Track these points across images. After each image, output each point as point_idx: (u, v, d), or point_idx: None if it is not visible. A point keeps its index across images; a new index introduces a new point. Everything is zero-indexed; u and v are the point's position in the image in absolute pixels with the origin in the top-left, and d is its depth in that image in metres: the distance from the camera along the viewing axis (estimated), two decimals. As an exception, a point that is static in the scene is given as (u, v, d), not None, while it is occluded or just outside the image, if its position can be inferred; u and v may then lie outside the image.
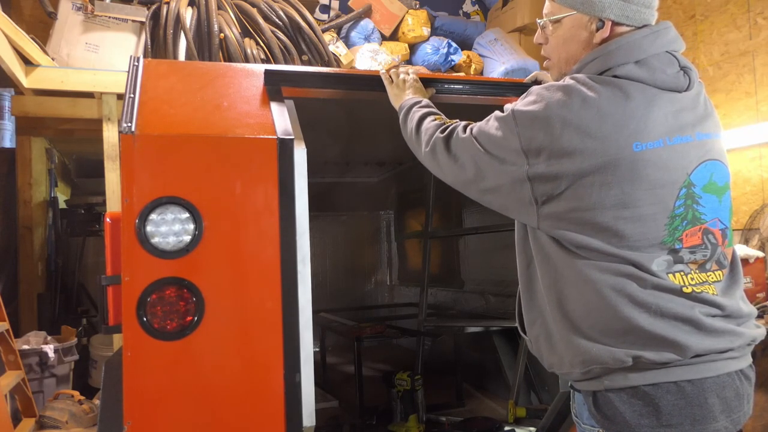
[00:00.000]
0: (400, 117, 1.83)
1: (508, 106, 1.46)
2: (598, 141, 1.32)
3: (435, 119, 1.70)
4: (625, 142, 1.32)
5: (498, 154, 1.42)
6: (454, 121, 1.64)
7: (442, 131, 1.60)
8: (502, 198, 1.45)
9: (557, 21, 1.51)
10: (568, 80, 1.41)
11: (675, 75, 1.40)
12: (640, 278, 1.31)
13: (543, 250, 1.42)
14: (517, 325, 1.60)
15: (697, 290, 1.33)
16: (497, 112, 1.48)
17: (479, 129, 1.50)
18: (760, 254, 3.52)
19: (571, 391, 1.50)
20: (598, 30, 1.45)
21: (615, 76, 1.38)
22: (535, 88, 1.45)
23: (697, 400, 1.28)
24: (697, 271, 1.36)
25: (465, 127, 1.55)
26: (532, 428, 2.62)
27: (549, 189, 1.36)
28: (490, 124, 1.47)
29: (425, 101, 1.83)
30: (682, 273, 1.34)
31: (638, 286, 1.31)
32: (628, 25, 1.45)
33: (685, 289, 1.32)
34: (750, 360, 1.40)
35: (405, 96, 1.89)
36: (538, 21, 1.59)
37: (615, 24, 1.45)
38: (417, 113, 1.75)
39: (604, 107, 1.33)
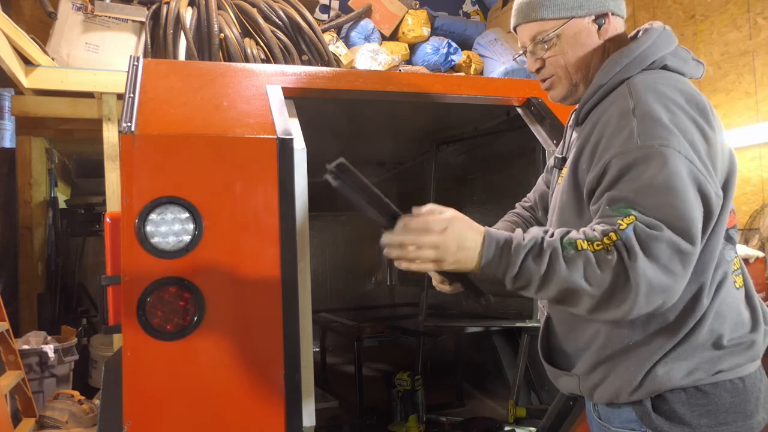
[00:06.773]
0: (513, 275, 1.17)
1: None
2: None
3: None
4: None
5: None
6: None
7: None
8: None
9: (556, 36, 1.38)
10: (661, 87, 1.24)
11: (695, 64, 1.39)
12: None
13: None
14: (545, 360, 1.49)
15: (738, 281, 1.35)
16: None
17: None
18: (760, 254, 3.52)
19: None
20: (600, 27, 1.38)
21: (665, 67, 1.33)
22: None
23: (747, 395, 1.28)
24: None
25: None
26: (532, 428, 2.62)
27: None
28: None
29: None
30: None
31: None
32: (620, 16, 1.41)
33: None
34: None
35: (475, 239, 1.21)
36: (525, 48, 1.44)
37: (612, 15, 1.39)
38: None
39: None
